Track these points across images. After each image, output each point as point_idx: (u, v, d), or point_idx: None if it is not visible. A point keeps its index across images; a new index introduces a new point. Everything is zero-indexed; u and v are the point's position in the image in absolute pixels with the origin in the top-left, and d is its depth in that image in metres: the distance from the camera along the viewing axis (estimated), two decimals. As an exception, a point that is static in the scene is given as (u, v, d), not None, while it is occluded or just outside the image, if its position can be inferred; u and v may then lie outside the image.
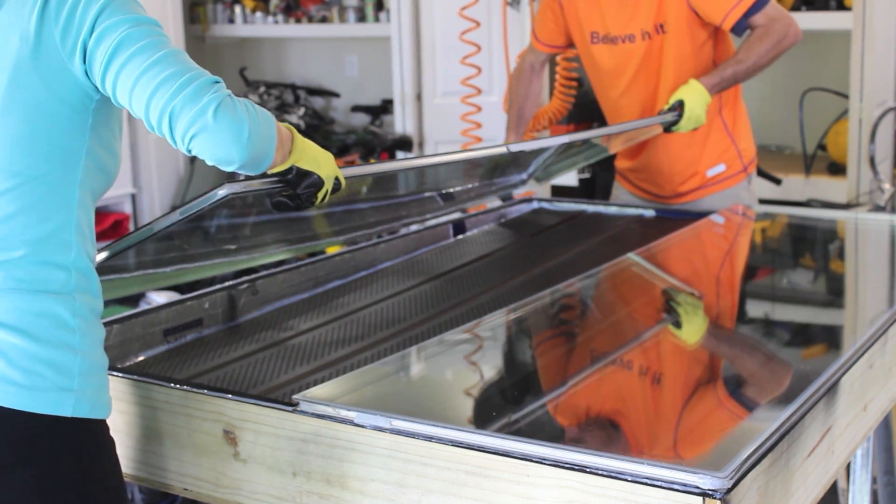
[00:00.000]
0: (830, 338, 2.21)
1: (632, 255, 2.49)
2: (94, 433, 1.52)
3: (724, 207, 2.98)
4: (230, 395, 1.65)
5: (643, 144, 3.05)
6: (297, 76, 6.74)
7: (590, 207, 3.18)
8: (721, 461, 1.33)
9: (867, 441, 2.49)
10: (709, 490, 1.28)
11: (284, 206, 1.69)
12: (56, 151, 1.49)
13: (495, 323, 2.05)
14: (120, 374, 1.76)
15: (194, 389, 1.69)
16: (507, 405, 1.72)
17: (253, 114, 1.49)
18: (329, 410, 1.55)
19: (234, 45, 6.91)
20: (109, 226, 5.38)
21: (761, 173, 3.79)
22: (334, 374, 1.93)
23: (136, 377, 1.76)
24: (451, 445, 1.44)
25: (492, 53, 5.09)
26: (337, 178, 1.72)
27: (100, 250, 1.73)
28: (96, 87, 1.49)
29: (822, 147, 4.44)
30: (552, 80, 3.74)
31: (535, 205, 3.23)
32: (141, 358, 2.04)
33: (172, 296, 3.29)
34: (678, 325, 2.19)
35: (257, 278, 2.32)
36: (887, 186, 3.90)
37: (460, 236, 2.95)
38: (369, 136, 6.05)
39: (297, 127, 6.02)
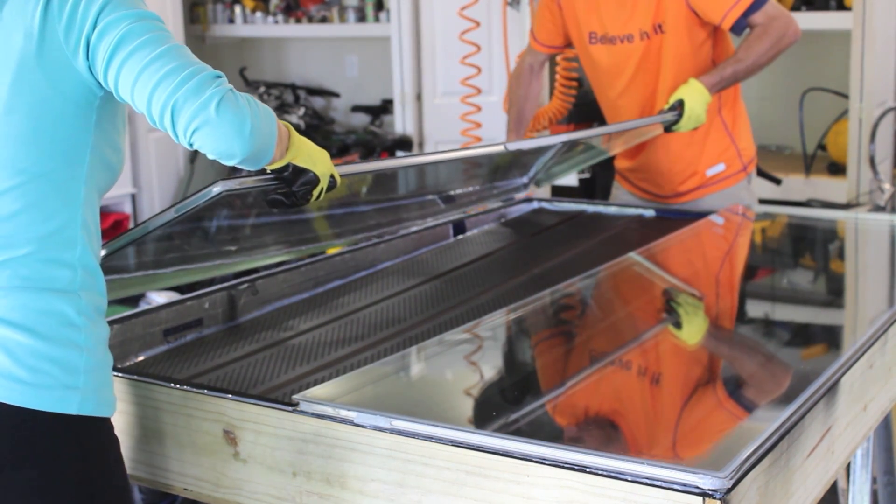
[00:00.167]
0: (830, 338, 2.21)
1: (632, 255, 2.49)
2: (99, 431, 1.53)
3: (723, 207, 2.98)
4: (230, 395, 1.65)
5: (643, 144, 3.05)
6: (297, 76, 6.74)
7: (590, 207, 3.18)
8: (721, 461, 1.33)
9: (867, 441, 2.49)
10: (709, 490, 1.28)
11: (280, 203, 1.70)
12: (61, 148, 1.50)
13: (495, 323, 2.05)
14: (120, 374, 1.76)
15: (194, 389, 1.69)
16: (507, 405, 1.72)
17: (255, 109, 1.50)
18: (329, 410, 1.55)
19: (234, 45, 6.91)
20: (109, 226, 5.39)
21: (761, 173, 3.79)
22: (334, 374, 1.93)
23: (136, 377, 1.76)
24: (451, 445, 1.44)
25: (492, 53, 5.09)
26: (332, 176, 1.72)
27: (100, 249, 1.73)
28: (100, 84, 1.50)
29: (822, 147, 4.44)
30: (552, 80, 3.74)
31: (535, 205, 3.23)
32: (141, 358, 2.04)
33: (172, 296, 3.29)
34: (678, 325, 2.19)
35: (257, 278, 2.32)
36: (887, 186, 3.90)
37: (460, 236, 2.95)
38: (369, 136, 6.05)
39: (297, 127, 6.02)
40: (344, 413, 1.54)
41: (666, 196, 3.11)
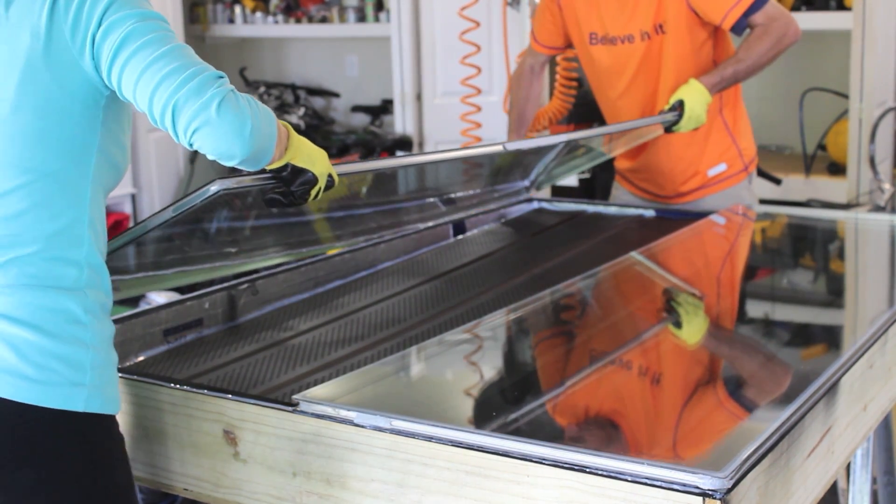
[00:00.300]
0: (830, 338, 2.21)
1: (632, 255, 2.49)
2: (104, 428, 1.53)
3: (725, 207, 2.98)
4: (230, 395, 1.65)
5: (644, 144, 3.05)
6: (297, 76, 6.74)
7: (590, 207, 3.18)
8: (721, 461, 1.33)
9: (867, 441, 2.48)
10: (709, 490, 1.28)
11: (278, 202, 1.70)
12: (68, 147, 1.50)
13: (495, 323, 2.05)
14: (120, 374, 1.75)
15: (194, 389, 1.69)
16: (507, 405, 1.72)
17: (255, 109, 1.50)
18: (329, 410, 1.55)
19: (234, 45, 6.91)
20: (110, 226, 5.35)
21: (761, 173, 3.79)
22: (334, 374, 1.93)
23: (136, 377, 1.76)
24: (450, 445, 1.44)
25: (492, 53, 5.09)
26: (330, 176, 1.73)
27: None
28: (106, 83, 1.50)
29: (822, 147, 4.44)
30: (552, 81, 3.74)
31: (535, 204, 3.23)
32: (141, 358, 2.04)
33: (172, 296, 3.29)
34: (678, 325, 2.19)
35: (257, 278, 2.32)
36: (887, 186, 3.90)
37: (460, 236, 2.95)
38: (369, 137, 6.05)
39: (297, 127, 6.02)
40: (344, 413, 1.54)
41: (667, 196, 3.11)
